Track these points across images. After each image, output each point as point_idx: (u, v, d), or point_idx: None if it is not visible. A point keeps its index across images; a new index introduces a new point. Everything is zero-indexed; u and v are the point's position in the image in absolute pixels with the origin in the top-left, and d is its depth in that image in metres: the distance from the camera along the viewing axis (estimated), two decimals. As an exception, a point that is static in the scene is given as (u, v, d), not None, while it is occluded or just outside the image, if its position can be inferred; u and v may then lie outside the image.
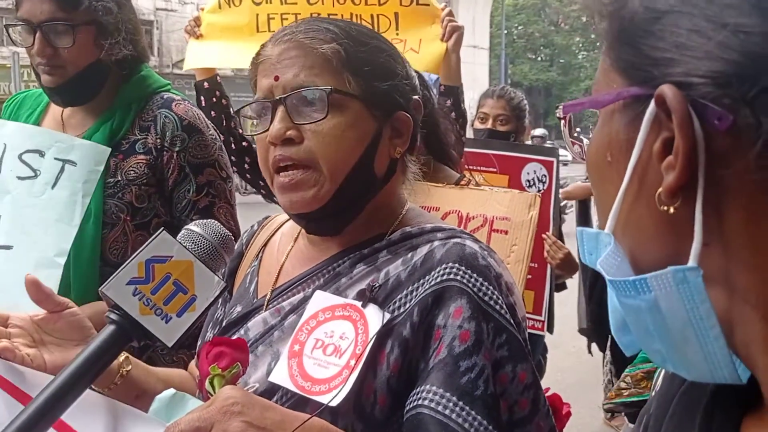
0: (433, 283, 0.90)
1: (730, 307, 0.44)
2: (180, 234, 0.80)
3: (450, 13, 2.17)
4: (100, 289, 0.72)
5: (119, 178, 1.59)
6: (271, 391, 0.92)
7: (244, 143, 2.26)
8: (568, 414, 1.12)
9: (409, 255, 0.95)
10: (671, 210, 0.44)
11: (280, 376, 0.91)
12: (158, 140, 1.61)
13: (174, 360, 1.64)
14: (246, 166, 2.26)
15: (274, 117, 0.94)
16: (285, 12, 2.22)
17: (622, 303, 0.47)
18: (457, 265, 0.90)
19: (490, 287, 0.90)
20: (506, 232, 1.74)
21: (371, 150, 0.96)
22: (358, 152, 0.95)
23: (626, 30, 0.47)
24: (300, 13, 2.20)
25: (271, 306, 1.01)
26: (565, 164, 6.71)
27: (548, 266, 2.58)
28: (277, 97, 0.94)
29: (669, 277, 0.43)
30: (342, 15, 2.15)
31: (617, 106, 0.48)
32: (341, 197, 0.95)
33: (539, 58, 38.52)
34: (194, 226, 0.82)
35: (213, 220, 0.84)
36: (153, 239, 0.75)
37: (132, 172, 1.60)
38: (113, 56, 1.60)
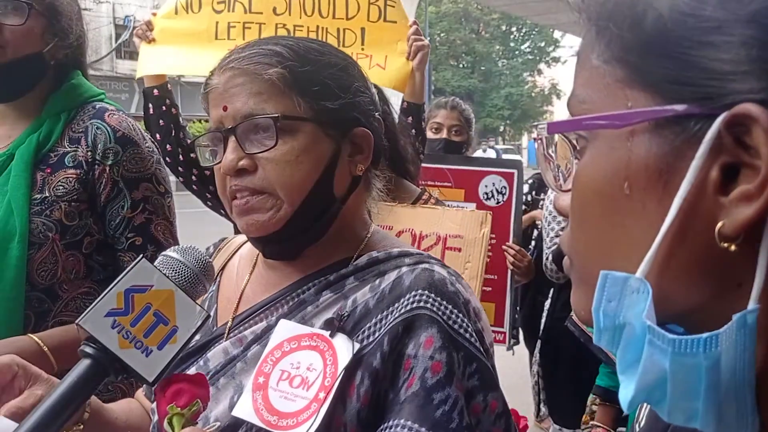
0: (402, 311, 0.91)
1: (762, 352, 0.42)
2: (158, 261, 0.79)
3: (416, 32, 2.21)
4: (76, 321, 0.70)
5: (47, 194, 1.53)
6: (234, 426, 0.92)
7: (192, 155, 2.22)
8: (525, 428, 1.16)
9: (377, 281, 0.96)
10: (732, 247, 0.40)
11: (244, 410, 0.91)
12: (89, 153, 1.57)
13: (110, 389, 1.59)
14: (193, 177, 2.22)
15: (226, 148, 0.95)
16: (248, 21, 2.21)
17: (677, 363, 0.41)
18: (426, 292, 0.92)
19: (460, 315, 0.92)
20: (459, 250, 1.83)
21: (330, 171, 0.97)
22: (316, 175, 0.96)
23: (661, 40, 0.43)
24: (264, 23, 2.20)
25: (232, 335, 1.01)
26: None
27: (508, 278, 2.67)
28: (228, 128, 0.95)
29: (733, 327, 0.40)
30: (308, 27, 2.18)
31: (641, 127, 0.43)
32: (299, 220, 0.96)
33: (461, 65, 39.55)
34: (173, 253, 0.81)
35: (193, 246, 0.84)
36: (132, 267, 0.74)
37: (61, 187, 1.55)
38: (55, 57, 1.56)
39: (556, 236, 3.06)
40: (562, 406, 3.19)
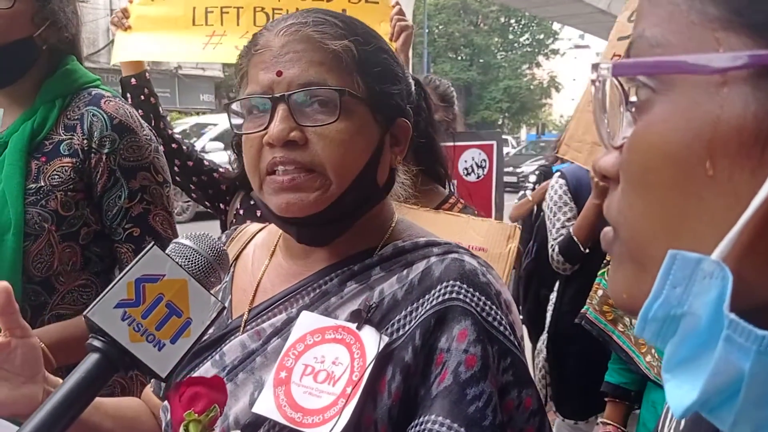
0: (434, 302, 0.87)
1: None
2: (170, 248, 0.75)
3: (399, 12, 2.17)
4: (84, 313, 0.66)
5: (42, 184, 1.49)
6: (255, 423, 0.87)
7: (173, 145, 2.18)
8: None
9: (405, 272, 0.92)
10: None
11: (266, 406, 0.86)
12: (85, 141, 1.52)
13: (108, 384, 1.56)
14: (176, 168, 2.18)
15: (273, 115, 0.88)
16: (226, 6, 2.19)
17: (762, 364, 0.35)
18: (458, 283, 0.88)
19: (493, 306, 0.88)
20: None
21: (375, 158, 0.94)
22: (364, 160, 0.92)
23: None
24: (242, 7, 2.18)
25: (249, 328, 0.96)
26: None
27: None
28: (279, 94, 0.89)
29: None
30: (287, 10, 2.13)
31: (738, 76, 0.36)
32: (341, 205, 0.92)
33: (460, 58, 39.52)
34: (186, 240, 0.77)
35: (207, 233, 0.80)
36: (142, 256, 0.69)
37: (56, 176, 1.50)
38: (47, 41, 1.52)
39: (563, 227, 3.02)
40: (571, 401, 3.17)
